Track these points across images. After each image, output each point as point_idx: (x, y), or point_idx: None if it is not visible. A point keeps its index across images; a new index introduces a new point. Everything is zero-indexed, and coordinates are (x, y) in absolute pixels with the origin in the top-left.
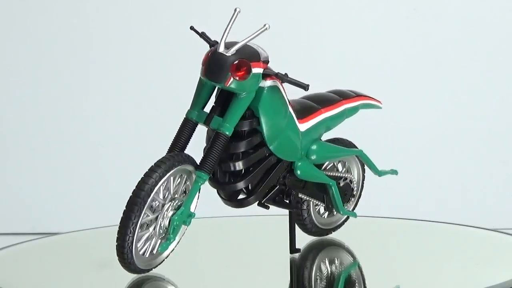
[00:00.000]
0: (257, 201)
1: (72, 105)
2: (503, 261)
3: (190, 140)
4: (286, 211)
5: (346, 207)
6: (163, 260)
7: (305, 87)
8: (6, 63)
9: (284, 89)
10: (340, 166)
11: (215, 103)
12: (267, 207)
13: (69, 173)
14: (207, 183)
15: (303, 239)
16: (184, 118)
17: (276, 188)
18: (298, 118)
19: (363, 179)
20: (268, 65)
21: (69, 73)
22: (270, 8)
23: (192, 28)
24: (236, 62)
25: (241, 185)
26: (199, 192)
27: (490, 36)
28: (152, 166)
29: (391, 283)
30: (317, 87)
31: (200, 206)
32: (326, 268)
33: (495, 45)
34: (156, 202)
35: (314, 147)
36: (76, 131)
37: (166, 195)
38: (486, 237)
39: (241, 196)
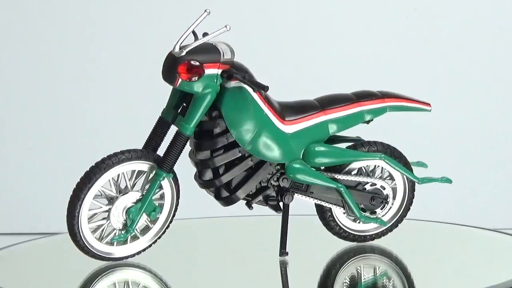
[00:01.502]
0: (246, 200)
1: (72, 105)
2: (503, 261)
3: (164, 137)
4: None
5: (378, 214)
6: (135, 253)
7: (264, 87)
8: (6, 63)
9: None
10: (364, 170)
11: (184, 102)
12: (250, 207)
13: (69, 173)
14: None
15: (337, 243)
16: (159, 116)
17: (268, 189)
18: (286, 119)
19: (411, 188)
20: (232, 65)
21: (69, 73)
22: (270, 8)
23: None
24: (182, 63)
25: (216, 183)
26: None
27: (490, 36)
28: (104, 157)
29: (391, 283)
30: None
31: (197, 207)
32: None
33: (495, 45)
34: (109, 192)
35: (311, 149)
36: (76, 131)
37: (119, 188)
38: (486, 237)
39: (225, 194)
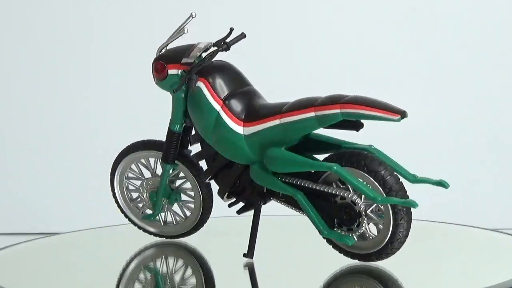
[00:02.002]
0: (227, 197)
1: (72, 105)
2: (503, 261)
3: (190, 134)
4: (290, 212)
5: (354, 232)
6: (168, 235)
7: (193, 89)
8: (6, 63)
9: (211, 90)
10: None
11: None
12: (229, 206)
13: (69, 173)
14: None
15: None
16: None
17: (247, 190)
18: (245, 120)
19: (400, 211)
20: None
21: (69, 73)
22: (269, 9)
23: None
24: (153, 64)
25: (203, 178)
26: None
27: (490, 36)
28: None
29: (391, 283)
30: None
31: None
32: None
33: (495, 45)
34: (138, 175)
35: (265, 153)
36: (76, 131)
37: (141, 173)
38: (486, 237)
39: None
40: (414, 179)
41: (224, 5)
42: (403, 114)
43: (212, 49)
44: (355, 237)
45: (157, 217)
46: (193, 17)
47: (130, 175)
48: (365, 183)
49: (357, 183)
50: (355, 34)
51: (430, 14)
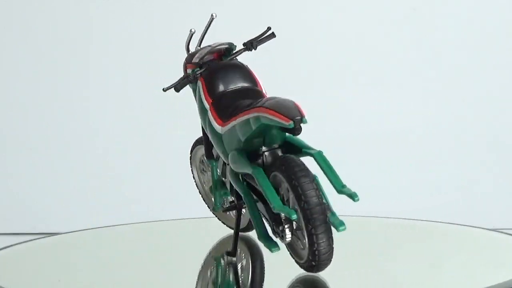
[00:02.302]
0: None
1: (71, 105)
2: (503, 261)
3: None
4: None
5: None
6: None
7: (164, 89)
8: (6, 63)
9: (205, 90)
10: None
11: None
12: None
13: (69, 173)
14: None
15: None
16: None
17: (232, 188)
18: (223, 120)
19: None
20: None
21: (69, 73)
22: (269, 9)
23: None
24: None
25: None
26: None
27: (490, 36)
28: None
29: (391, 283)
30: (316, 87)
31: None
32: None
33: (495, 45)
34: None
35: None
36: (76, 131)
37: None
38: (486, 237)
39: None
40: (341, 190)
41: (224, 5)
42: (295, 121)
43: (240, 48)
44: (282, 243)
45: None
46: (214, 18)
47: (202, 168)
48: (286, 189)
49: (265, 188)
50: (355, 34)
51: (430, 14)
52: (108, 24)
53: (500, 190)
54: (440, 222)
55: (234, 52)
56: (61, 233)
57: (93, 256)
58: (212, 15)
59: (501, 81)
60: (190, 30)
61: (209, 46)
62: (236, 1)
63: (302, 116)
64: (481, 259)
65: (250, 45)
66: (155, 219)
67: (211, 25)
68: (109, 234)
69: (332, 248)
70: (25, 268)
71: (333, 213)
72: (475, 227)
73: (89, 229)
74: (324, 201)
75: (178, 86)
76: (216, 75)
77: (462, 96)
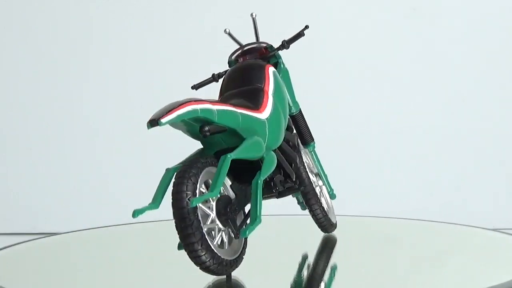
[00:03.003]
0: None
1: (71, 106)
2: (503, 261)
3: None
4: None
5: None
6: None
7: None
8: (6, 63)
9: (220, 90)
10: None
11: None
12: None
13: (69, 173)
14: None
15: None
16: None
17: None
18: None
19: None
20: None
21: (69, 73)
22: (269, 9)
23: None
24: None
25: None
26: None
27: (490, 36)
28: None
29: (391, 283)
30: (316, 87)
31: None
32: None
33: (495, 45)
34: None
35: None
36: (75, 131)
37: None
38: (486, 237)
39: None
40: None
41: (223, 5)
42: (150, 122)
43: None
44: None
45: None
46: (227, 33)
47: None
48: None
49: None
50: (355, 34)
51: (430, 14)
52: (108, 24)
53: (500, 190)
54: (440, 222)
55: (274, 49)
56: (61, 233)
57: (93, 256)
58: (252, 14)
59: (501, 81)
60: (252, 14)
61: (243, 45)
62: (236, 1)
63: (157, 119)
64: (481, 259)
65: (284, 45)
66: (155, 219)
67: (256, 23)
68: (109, 234)
69: None
70: (25, 268)
71: None
72: (475, 227)
73: (89, 229)
74: None
75: (199, 85)
76: (230, 75)
77: (462, 96)
